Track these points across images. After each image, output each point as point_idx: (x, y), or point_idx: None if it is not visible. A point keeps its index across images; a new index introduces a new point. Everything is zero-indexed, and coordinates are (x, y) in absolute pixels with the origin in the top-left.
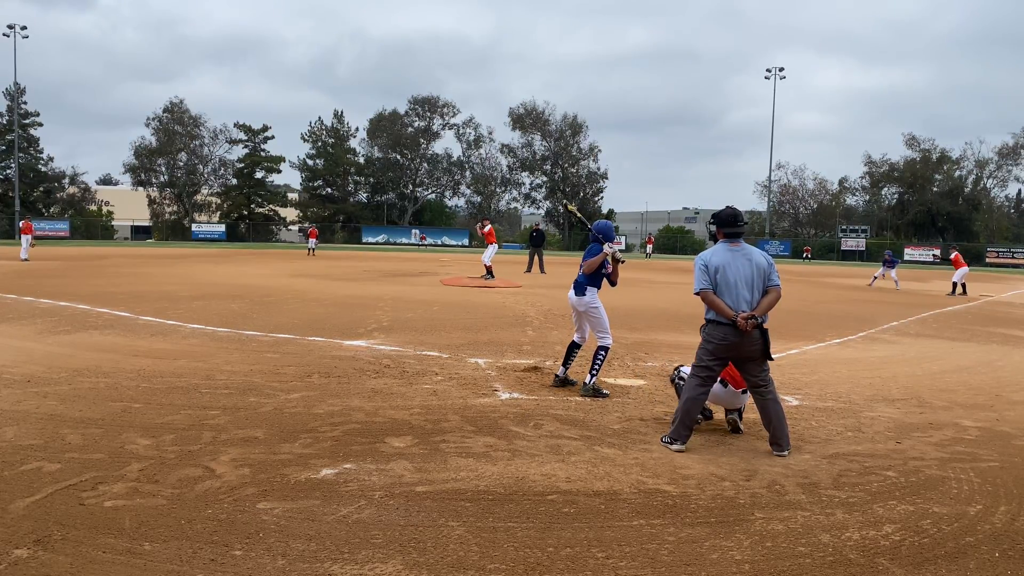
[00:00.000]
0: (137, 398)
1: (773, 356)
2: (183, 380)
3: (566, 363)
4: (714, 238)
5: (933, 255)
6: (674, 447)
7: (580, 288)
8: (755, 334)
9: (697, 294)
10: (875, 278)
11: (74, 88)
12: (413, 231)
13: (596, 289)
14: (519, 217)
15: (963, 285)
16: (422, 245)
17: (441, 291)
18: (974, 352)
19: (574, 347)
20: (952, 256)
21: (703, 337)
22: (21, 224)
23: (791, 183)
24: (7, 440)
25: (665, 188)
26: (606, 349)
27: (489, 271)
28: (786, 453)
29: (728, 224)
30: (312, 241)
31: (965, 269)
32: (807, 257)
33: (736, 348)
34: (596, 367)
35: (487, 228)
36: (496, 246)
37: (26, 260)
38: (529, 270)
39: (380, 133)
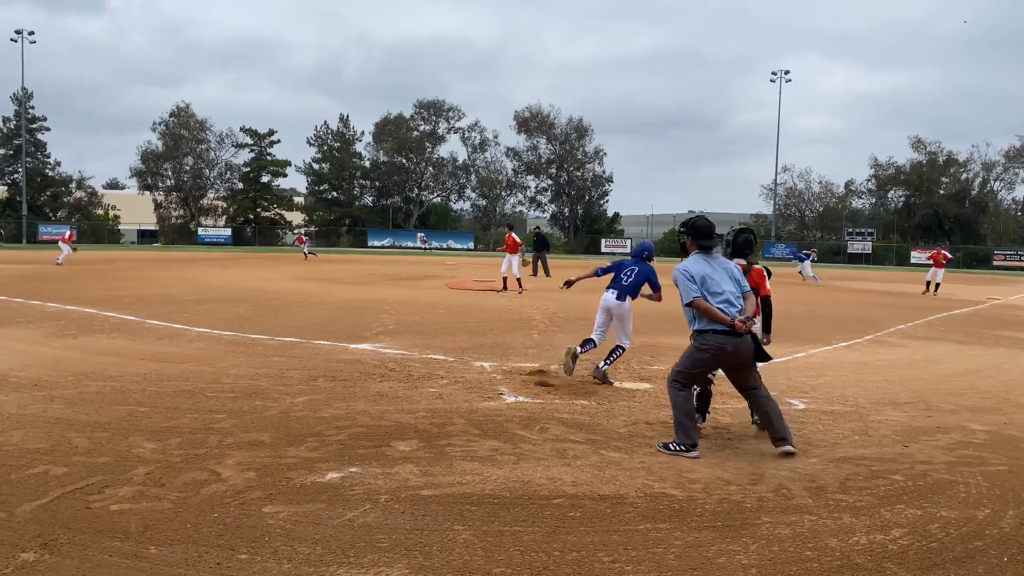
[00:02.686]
0: (143, 402)
1: (770, 356)
2: (189, 384)
3: (583, 349)
4: (683, 247)
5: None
6: (691, 454)
7: (623, 295)
8: (747, 339)
9: (689, 304)
10: (800, 273)
11: (82, 92)
12: (419, 235)
13: (633, 299)
14: (524, 220)
15: (930, 284)
16: (425, 248)
17: (446, 295)
18: (982, 355)
19: (589, 342)
20: (929, 256)
21: (695, 346)
22: (65, 233)
23: (796, 186)
24: (14, 444)
25: (670, 191)
26: (623, 349)
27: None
28: (793, 448)
29: (704, 236)
30: (304, 247)
31: (937, 270)
32: (813, 260)
33: (731, 356)
34: (611, 359)
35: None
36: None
37: (59, 264)
38: (535, 273)
39: (386, 137)
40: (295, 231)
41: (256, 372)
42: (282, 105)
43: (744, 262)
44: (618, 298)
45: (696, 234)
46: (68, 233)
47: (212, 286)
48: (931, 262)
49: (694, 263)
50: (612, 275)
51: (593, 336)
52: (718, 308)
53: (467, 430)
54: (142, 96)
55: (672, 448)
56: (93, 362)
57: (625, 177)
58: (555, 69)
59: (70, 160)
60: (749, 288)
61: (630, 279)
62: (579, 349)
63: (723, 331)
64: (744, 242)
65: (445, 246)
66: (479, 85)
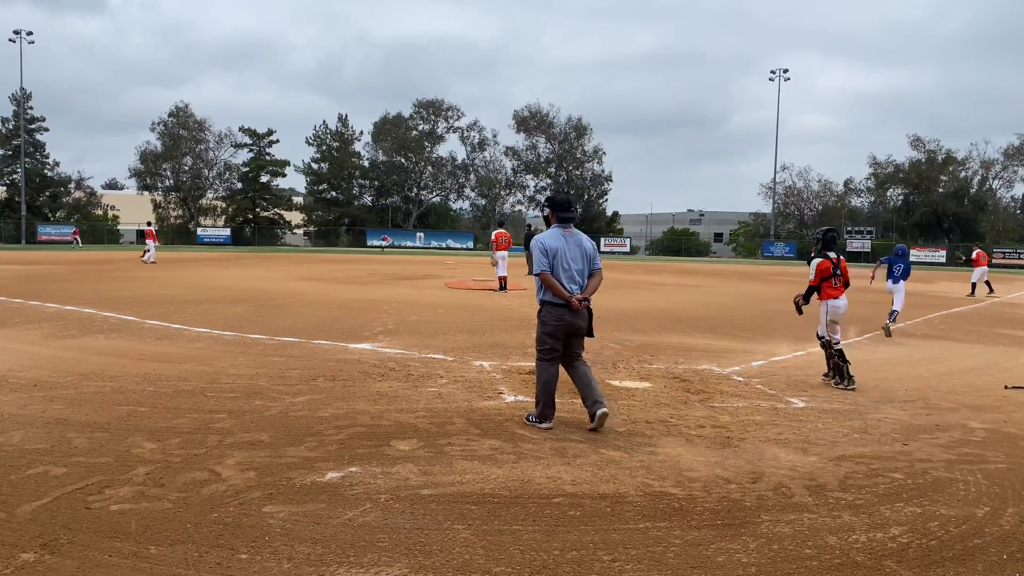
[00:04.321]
0: (143, 402)
1: (593, 334)
2: (189, 384)
3: (891, 318)
4: (547, 221)
5: (959, 257)
6: (543, 425)
7: (896, 280)
8: (584, 313)
9: (537, 274)
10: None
11: (83, 93)
12: (419, 235)
13: (905, 280)
14: (523, 220)
15: (987, 283)
16: (382, 247)
17: (446, 294)
18: (981, 353)
19: (893, 312)
20: (974, 255)
21: (542, 319)
22: (147, 230)
23: (796, 185)
24: (14, 444)
25: (670, 190)
26: (897, 312)
27: (502, 282)
28: (606, 409)
29: (562, 209)
30: (150, 244)
31: (984, 268)
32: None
33: (570, 326)
34: (892, 318)
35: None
36: (503, 253)
37: (153, 263)
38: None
39: (385, 136)
40: (147, 226)
41: (256, 372)
42: (282, 105)
43: (835, 256)
44: (894, 282)
45: (555, 207)
46: (149, 230)
47: (211, 286)
48: (976, 263)
49: (551, 237)
50: (885, 267)
51: (895, 306)
52: (562, 283)
53: (467, 429)
54: (142, 96)
55: (530, 420)
56: (92, 362)
57: (625, 176)
58: (555, 68)
59: (69, 161)
60: (599, 267)
61: (900, 270)
62: (889, 322)
63: (562, 305)
64: (831, 239)
65: (444, 245)
66: (478, 85)
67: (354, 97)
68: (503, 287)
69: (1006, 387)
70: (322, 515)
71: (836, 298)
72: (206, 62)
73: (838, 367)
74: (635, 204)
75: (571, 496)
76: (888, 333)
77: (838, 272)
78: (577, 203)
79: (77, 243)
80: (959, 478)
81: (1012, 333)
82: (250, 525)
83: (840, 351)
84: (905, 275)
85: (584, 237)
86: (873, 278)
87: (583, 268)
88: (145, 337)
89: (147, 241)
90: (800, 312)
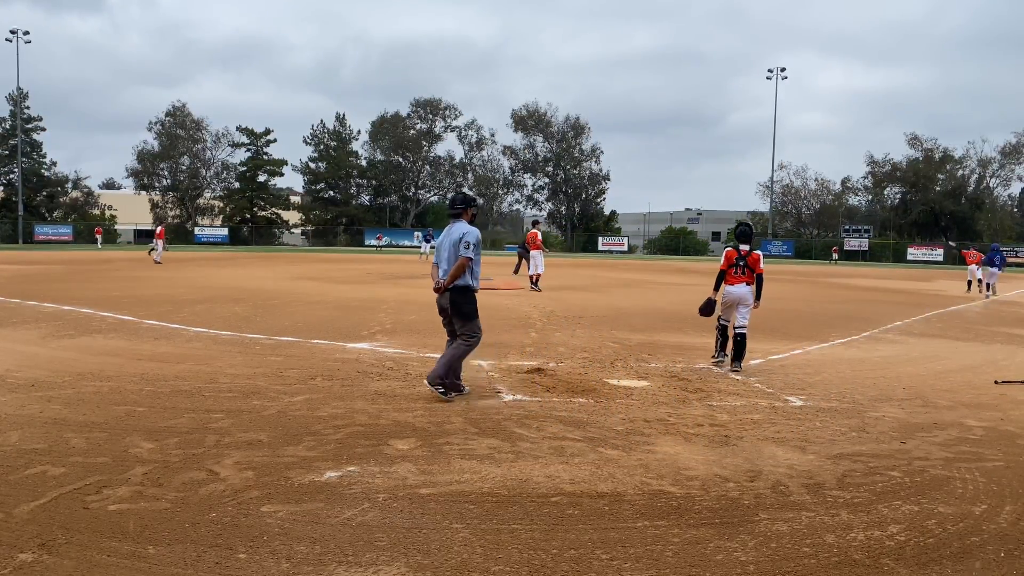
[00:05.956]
0: (141, 402)
1: (466, 316)
2: (186, 384)
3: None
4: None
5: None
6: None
7: (997, 266)
8: (447, 295)
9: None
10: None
11: (80, 93)
12: (417, 234)
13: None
14: (521, 219)
15: (981, 282)
16: (378, 247)
17: None
18: (978, 352)
19: (984, 284)
20: (964, 252)
21: None
22: (158, 229)
23: (793, 184)
24: (11, 444)
25: (668, 189)
26: (990, 286)
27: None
28: (432, 390)
29: (449, 205)
30: (158, 243)
31: (974, 267)
32: (835, 259)
33: (441, 307)
34: (991, 288)
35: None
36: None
37: (159, 263)
38: (516, 271)
39: (382, 136)
40: (156, 225)
41: (254, 371)
42: (280, 105)
43: (747, 247)
44: (993, 267)
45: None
46: (159, 229)
47: (209, 286)
48: (969, 261)
49: (443, 231)
50: (981, 258)
51: (988, 281)
52: (438, 269)
53: (465, 428)
54: (140, 96)
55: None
56: (90, 362)
57: (623, 175)
58: (553, 68)
59: (67, 160)
60: (463, 253)
61: (1001, 260)
62: (989, 292)
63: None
64: (739, 233)
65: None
66: (477, 84)
67: (352, 96)
68: (534, 283)
69: (996, 382)
70: (320, 514)
71: (732, 285)
72: (204, 61)
73: (718, 340)
74: (633, 203)
75: (569, 495)
76: (994, 293)
77: (741, 263)
78: (575, 202)
79: (98, 243)
80: (957, 476)
81: (1009, 331)
82: (248, 525)
83: (723, 327)
84: (1002, 262)
85: (457, 229)
86: (980, 265)
87: (450, 256)
88: (143, 337)
89: (155, 241)
90: (711, 311)
